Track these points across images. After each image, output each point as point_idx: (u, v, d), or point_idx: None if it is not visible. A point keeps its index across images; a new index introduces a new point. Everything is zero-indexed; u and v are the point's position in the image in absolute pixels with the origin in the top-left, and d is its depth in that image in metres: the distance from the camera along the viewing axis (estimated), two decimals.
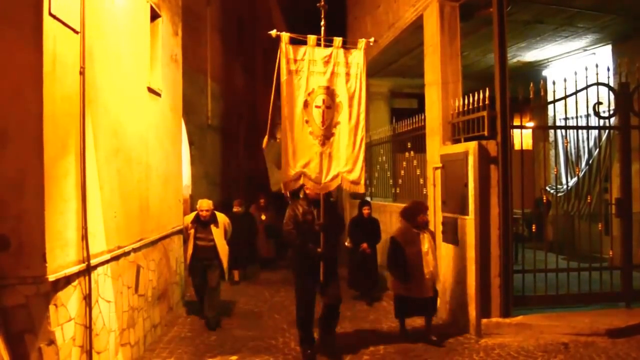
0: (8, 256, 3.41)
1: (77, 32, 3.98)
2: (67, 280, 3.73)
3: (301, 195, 5.73)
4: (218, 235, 6.60)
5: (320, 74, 5.27)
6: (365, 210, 7.82)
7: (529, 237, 7.62)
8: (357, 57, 5.40)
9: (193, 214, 6.78)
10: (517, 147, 6.30)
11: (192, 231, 6.61)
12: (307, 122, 5.24)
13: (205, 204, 6.65)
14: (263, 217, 10.23)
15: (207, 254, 6.53)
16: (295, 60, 5.21)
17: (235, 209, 9.12)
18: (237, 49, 14.84)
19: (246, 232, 9.03)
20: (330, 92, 5.31)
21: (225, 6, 13.33)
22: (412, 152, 8.20)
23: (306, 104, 5.24)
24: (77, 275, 3.90)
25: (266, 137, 5.46)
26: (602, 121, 6.43)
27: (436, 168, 6.83)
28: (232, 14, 14.36)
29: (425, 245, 5.60)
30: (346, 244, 7.85)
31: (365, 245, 7.51)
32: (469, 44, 8.47)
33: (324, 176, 5.27)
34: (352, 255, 7.81)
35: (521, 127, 6.17)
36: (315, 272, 5.24)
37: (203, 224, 6.61)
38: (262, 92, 18.86)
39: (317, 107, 5.27)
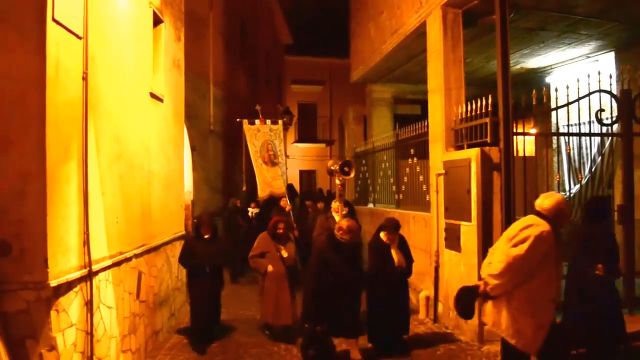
0: (10, 261, 3.41)
1: (80, 38, 3.99)
2: (68, 286, 3.73)
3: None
4: None
5: None
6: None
7: None
8: None
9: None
10: (519, 153, 6.28)
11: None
12: None
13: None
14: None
15: None
16: None
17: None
18: (239, 54, 14.86)
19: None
20: None
21: (228, 11, 13.37)
22: (415, 159, 8.18)
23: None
24: (79, 280, 3.90)
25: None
26: (604, 128, 6.42)
27: (439, 174, 6.82)
28: (235, 18, 14.40)
29: None
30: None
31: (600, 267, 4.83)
32: (472, 50, 8.49)
33: None
34: (586, 291, 4.95)
35: (524, 133, 6.15)
36: None
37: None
38: (264, 97, 18.89)
39: None
